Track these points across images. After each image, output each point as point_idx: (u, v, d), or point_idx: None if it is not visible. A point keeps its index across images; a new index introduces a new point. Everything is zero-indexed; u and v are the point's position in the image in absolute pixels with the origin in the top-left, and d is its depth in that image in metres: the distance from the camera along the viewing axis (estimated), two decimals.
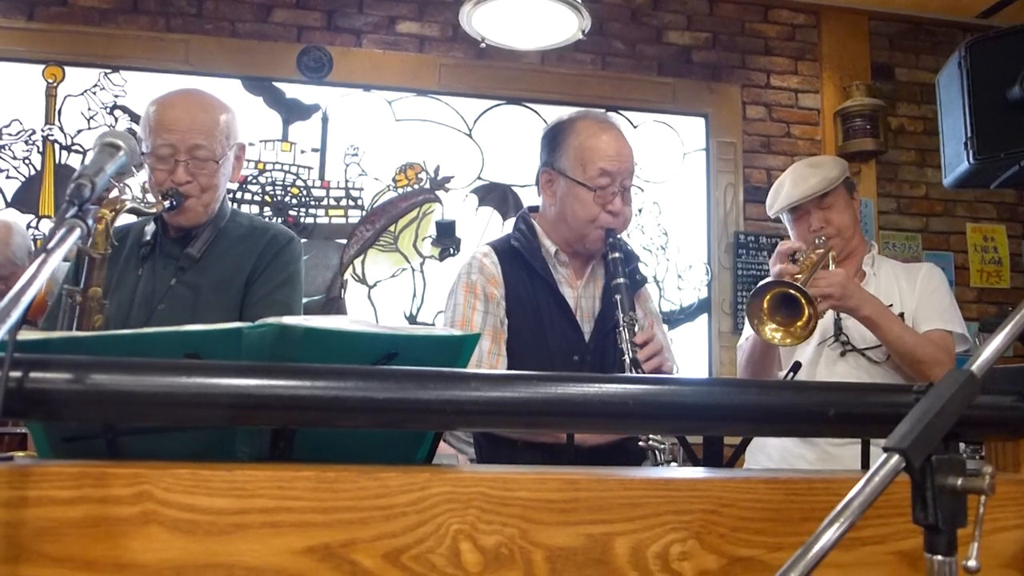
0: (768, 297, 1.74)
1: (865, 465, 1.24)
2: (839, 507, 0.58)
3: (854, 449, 1.39)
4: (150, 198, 1.56)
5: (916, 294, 1.93)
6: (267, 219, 1.79)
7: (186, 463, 0.74)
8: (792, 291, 1.71)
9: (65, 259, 1.23)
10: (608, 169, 1.65)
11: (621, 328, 1.56)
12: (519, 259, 1.70)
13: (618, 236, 1.68)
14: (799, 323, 1.71)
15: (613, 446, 1.57)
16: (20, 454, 1.22)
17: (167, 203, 1.53)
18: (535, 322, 1.65)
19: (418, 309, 3.63)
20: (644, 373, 1.52)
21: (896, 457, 0.60)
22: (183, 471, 0.72)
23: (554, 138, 1.73)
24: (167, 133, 1.56)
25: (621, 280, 1.60)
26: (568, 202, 1.68)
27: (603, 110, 3.25)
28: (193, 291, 1.59)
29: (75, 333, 1.29)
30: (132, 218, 1.68)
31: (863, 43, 4.12)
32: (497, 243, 1.76)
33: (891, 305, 1.89)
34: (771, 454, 1.97)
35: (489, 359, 1.60)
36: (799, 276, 1.78)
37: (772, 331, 1.74)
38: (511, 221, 3.65)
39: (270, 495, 0.73)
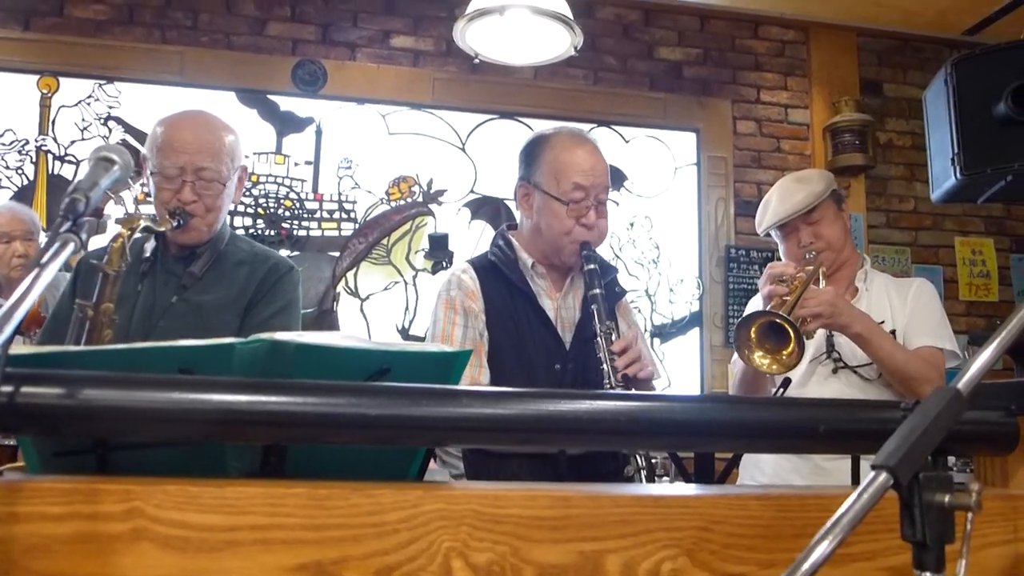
0: (754, 327, 1.76)
1: (856, 481, 1.24)
2: (829, 524, 0.58)
3: (847, 464, 1.40)
4: (147, 210, 1.58)
5: (907, 310, 1.93)
6: (267, 246, 1.83)
7: (177, 479, 0.74)
8: (778, 320, 1.72)
9: (67, 268, 1.24)
10: (582, 183, 1.67)
11: (599, 338, 1.58)
12: (497, 273, 1.72)
13: (593, 249, 1.69)
14: (786, 352, 1.73)
15: (597, 452, 1.58)
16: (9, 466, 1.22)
17: (174, 222, 1.57)
18: (515, 334, 1.67)
19: (410, 322, 3.63)
20: (625, 382, 1.54)
21: (884, 474, 0.60)
22: (174, 487, 0.72)
23: (530, 153, 1.76)
24: (175, 154, 1.60)
25: (597, 291, 1.63)
26: (543, 215, 1.70)
27: (582, 126, 3.29)
28: (193, 309, 1.62)
29: (68, 347, 1.28)
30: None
31: (852, 59, 4.17)
32: (475, 259, 1.80)
33: (883, 322, 1.90)
34: (764, 469, 1.97)
35: (471, 372, 1.62)
36: (788, 298, 1.79)
37: (760, 359, 1.76)
38: None
39: (261, 512, 0.73)
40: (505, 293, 1.70)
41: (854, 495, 0.59)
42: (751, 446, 1.23)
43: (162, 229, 1.57)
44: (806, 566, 0.56)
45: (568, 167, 1.68)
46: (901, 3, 3.83)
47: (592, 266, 1.66)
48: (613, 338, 1.60)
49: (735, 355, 2.08)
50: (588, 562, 0.77)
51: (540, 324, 1.69)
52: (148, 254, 1.66)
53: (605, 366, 1.56)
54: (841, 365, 1.91)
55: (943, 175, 2.37)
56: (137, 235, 1.54)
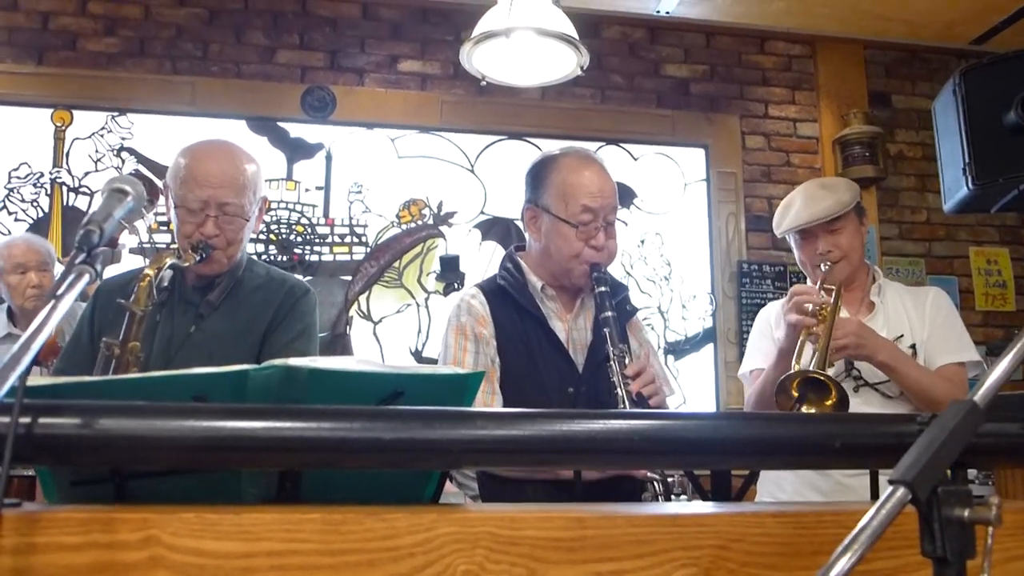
0: (793, 386, 1.75)
1: (875, 496, 1.23)
2: (847, 540, 0.57)
3: (867, 479, 1.38)
4: (160, 238, 1.59)
5: (926, 324, 1.91)
6: (282, 269, 1.83)
7: (193, 507, 0.74)
8: (813, 375, 1.72)
9: (82, 298, 1.26)
10: (590, 205, 1.65)
11: (612, 361, 1.56)
12: (507, 297, 1.71)
13: (603, 270, 1.68)
14: (829, 401, 1.72)
15: (614, 478, 1.57)
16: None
17: (197, 256, 1.56)
18: (527, 357, 1.66)
19: (423, 344, 3.63)
20: (640, 404, 1.53)
21: (902, 489, 0.59)
22: (190, 515, 0.72)
23: (537, 175, 1.74)
24: (199, 188, 1.59)
25: (609, 313, 1.61)
26: (552, 238, 1.69)
27: (591, 144, 3.32)
28: (212, 338, 1.61)
29: (84, 378, 1.30)
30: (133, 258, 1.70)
31: (859, 72, 4.17)
32: (484, 283, 1.78)
33: (901, 336, 1.89)
34: (784, 486, 1.94)
35: (483, 397, 1.59)
36: (816, 330, 1.78)
37: (806, 410, 1.75)
38: None
39: (277, 538, 0.73)
40: (515, 317, 1.69)
41: (872, 511, 0.58)
42: (766, 463, 1.22)
43: (187, 264, 1.56)
44: None
45: (576, 189, 1.67)
46: (907, 15, 3.83)
47: (603, 288, 1.64)
48: (626, 360, 1.57)
49: (744, 368, 2.08)
50: None
51: (551, 347, 1.67)
52: (166, 284, 1.66)
53: (619, 390, 1.54)
54: (862, 383, 1.89)
55: (955, 186, 2.36)
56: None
